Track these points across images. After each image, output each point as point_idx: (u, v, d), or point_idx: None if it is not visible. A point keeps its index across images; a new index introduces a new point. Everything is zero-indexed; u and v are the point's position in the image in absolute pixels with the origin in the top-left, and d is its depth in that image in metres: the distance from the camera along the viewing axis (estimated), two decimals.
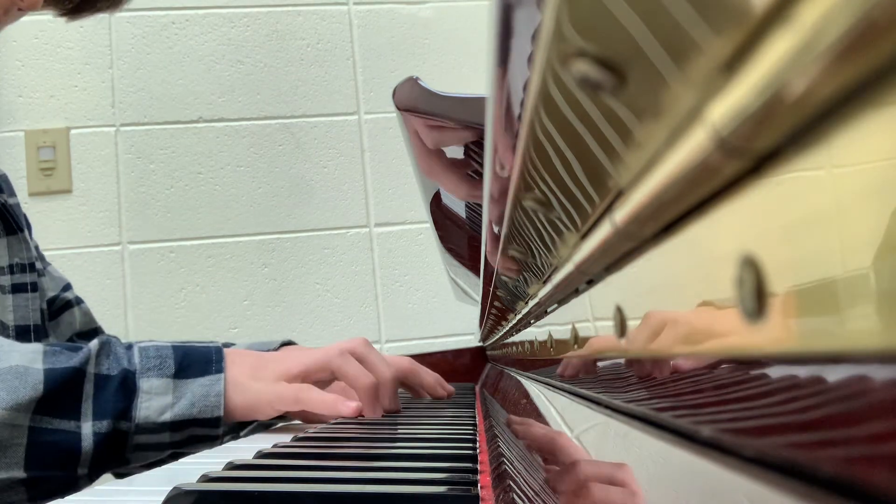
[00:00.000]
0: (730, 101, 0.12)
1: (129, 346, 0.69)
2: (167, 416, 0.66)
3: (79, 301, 0.95)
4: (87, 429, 0.63)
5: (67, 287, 0.95)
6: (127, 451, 0.66)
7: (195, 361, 0.69)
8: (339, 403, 0.69)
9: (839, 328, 0.10)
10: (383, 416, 0.73)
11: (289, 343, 0.88)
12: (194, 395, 0.67)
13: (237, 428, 0.84)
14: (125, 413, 0.65)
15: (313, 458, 0.49)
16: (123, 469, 0.70)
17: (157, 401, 0.66)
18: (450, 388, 0.89)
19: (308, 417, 0.79)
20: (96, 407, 0.64)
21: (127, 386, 0.66)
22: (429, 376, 0.85)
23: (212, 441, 0.70)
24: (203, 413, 0.67)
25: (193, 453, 0.76)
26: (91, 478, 0.66)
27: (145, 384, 0.67)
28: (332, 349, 0.73)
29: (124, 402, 0.65)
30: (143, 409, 0.66)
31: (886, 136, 0.09)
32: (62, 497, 0.55)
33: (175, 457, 0.72)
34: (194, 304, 1.63)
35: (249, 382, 0.70)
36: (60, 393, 0.63)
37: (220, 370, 0.69)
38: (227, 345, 0.90)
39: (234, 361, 0.71)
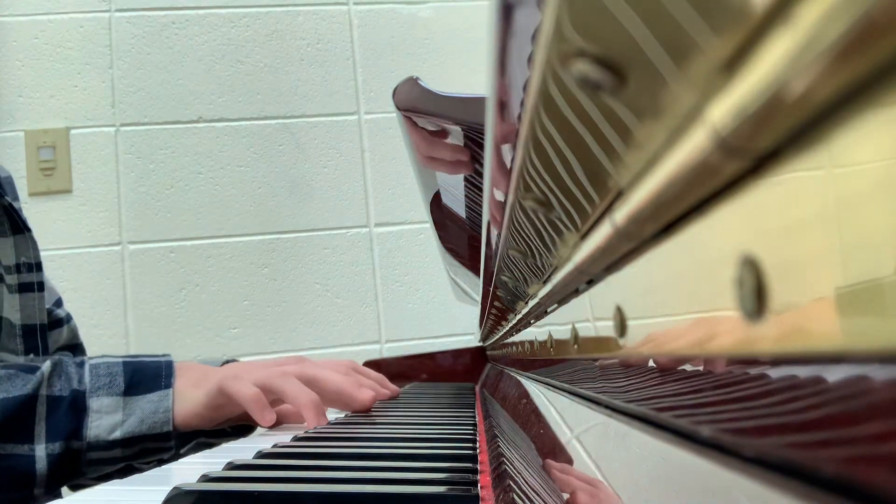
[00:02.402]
0: (730, 101, 0.12)
1: (81, 364, 0.71)
2: (117, 434, 0.68)
3: (69, 319, 0.96)
4: (41, 451, 0.65)
5: (59, 303, 0.95)
6: (81, 466, 0.68)
7: (145, 378, 0.71)
8: (246, 388, 0.69)
9: (839, 328, 0.10)
10: (393, 405, 0.73)
11: (232, 360, 0.89)
12: (143, 412, 0.69)
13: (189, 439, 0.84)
14: (76, 433, 0.67)
15: (313, 458, 0.49)
16: (81, 481, 0.72)
17: (106, 419, 0.68)
18: (393, 388, 0.87)
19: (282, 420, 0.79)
20: (49, 429, 0.66)
21: (77, 406, 0.68)
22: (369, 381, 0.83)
23: (165, 453, 0.71)
24: (153, 429, 0.69)
25: (152, 466, 0.77)
26: (49, 493, 0.67)
27: (95, 403, 0.68)
28: (273, 371, 0.73)
29: (74, 423, 0.67)
30: (93, 429, 0.68)
31: (886, 136, 0.09)
32: None
33: (129, 469, 0.73)
34: (194, 304, 1.63)
35: (191, 391, 0.72)
36: (14, 419, 0.65)
37: (168, 385, 0.71)
38: (229, 360, 0.90)
39: (182, 374, 0.72)
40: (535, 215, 0.29)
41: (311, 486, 0.37)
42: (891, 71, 0.09)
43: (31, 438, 0.65)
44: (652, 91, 0.15)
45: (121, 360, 0.72)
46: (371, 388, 0.76)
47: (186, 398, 0.71)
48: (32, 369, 0.67)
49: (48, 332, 0.90)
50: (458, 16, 1.77)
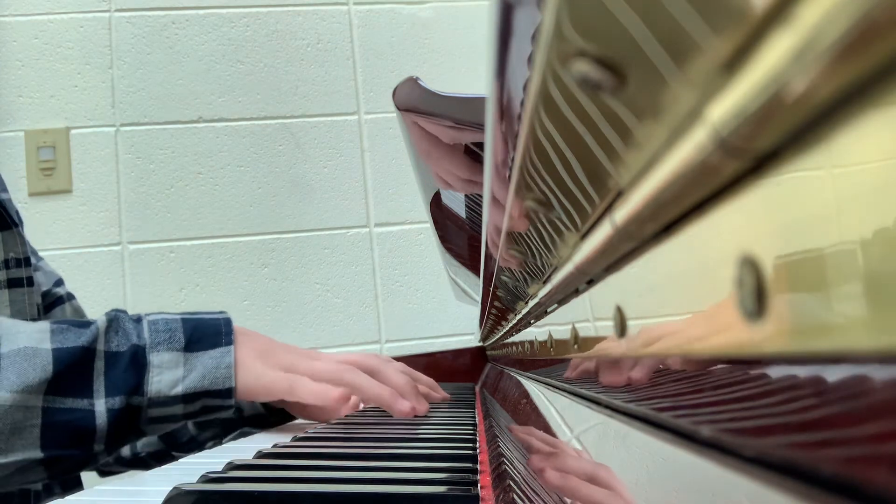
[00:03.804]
0: (730, 101, 0.12)
1: (139, 320, 0.69)
2: (179, 389, 0.67)
3: (70, 297, 0.95)
4: (101, 406, 0.64)
5: (59, 282, 0.94)
6: (141, 423, 0.67)
7: (205, 334, 0.70)
8: (329, 391, 0.70)
9: (839, 328, 0.10)
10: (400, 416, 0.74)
11: None
12: (205, 368, 0.68)
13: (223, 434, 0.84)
14: (137, 388, 0.66)
15: (313, 458, 0.49)
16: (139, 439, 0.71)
17: (168, 374, 0.67)
18: (443, 393, 0.89)
19: (310, 415, 0.79)
20: (108, 384, 0.65)
21: (137, 361, 0.67)
22: (422, 385, 0.84)
23: (225, 411, 0.70)
24: (214, 385, 0.68)
25: (209, 435, 0.77)
26: (109, 452, 0.66)
27: (156, 359, 0.67)
28: (342, 365, 0.73)
29: (136, 378, 0.66)
30: (154, 384, 0.67)
31: (886, 136, 0.09)
32: (80, 472, 0.55)
33: (196, 426, 0.71)
34: (194, 304, 1.63)
35: (254, 363, 0.70)
36: (71, 372, 0.64)
37: (229, 342, 0.70)
38: None
39: (242, 341, 0.71)
40: (535, 215, 0.29)
41: (311, 486, 0.37)
42: (891, 71, 0.09)
43: (90, 393, 0.64)
44: (652, 91, 0.15)
45: (179, 316, 0.71)
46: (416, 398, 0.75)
47: (248, 369, 0.70)
48: (85, 324, 0.67)
49: (48, 313, 0.89)
50: (458, 16, 1.77)
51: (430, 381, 0.88)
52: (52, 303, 0.91)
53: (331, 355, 0.77)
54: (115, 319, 0.68)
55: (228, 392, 0.69)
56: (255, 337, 0.74)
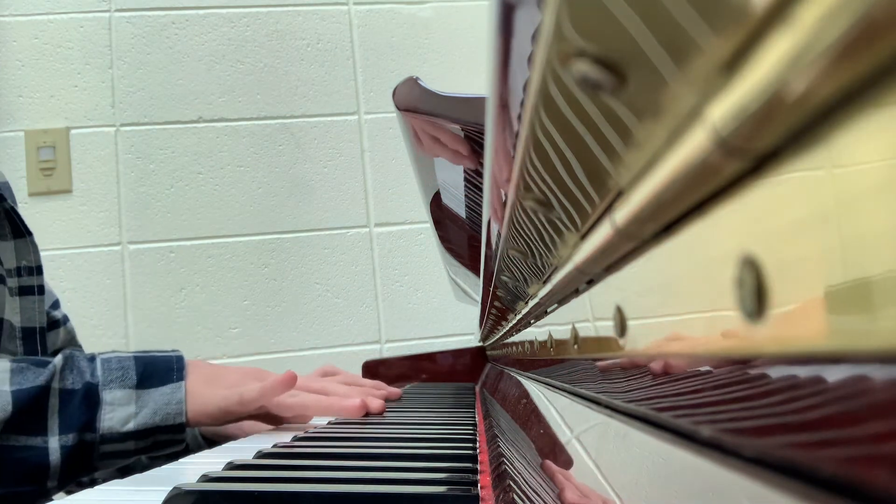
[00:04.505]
0: (730, 101, 0.12)
1: (92, 359, 0.71)
2: (131, 426, 0.69)
3: (66, 320, 0.96)
4: (55, 443, 0.66)
5: (56, 304, 0.96)
6: (94, 460, 0.68)
7: (157, 371, 0.71)
8: (273, 377, 0.72)
9: (839, 328, 0.10)
10: (384, 413, 0.74)
11: None
12: (156, 404, 0.70)
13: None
14: (89, 425, 0.67)
15: (313, 458, 0.49)
16: (92, 476, 0.72)
17: (120, 411, 0.69)
18: (390, 389, 0.89)
19: (279, 419, 0.79)
20: (62, 421, 0.66)
21: (90, 398, 0.68)
22: (366, 388, 0.85)
23: (177, 445, 0.72)
24: (166, 420, 0.70)
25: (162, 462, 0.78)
26: (61, 487, 0.68)
27: (108, 396, 0.69)
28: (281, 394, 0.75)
29: (88, 415, 0.67)
30: (106, 420, 0.68)
31: (886, 136, 0.09)
32: None
33: (149, 460, 0.74)
34: (194, 304, 1.63)
35: (203, 390, 0.72)
36: (28, 411, 0.65)
37: (181, 378, 0.72)
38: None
39: (191, 371, 0.73)
40: (535, 215, 0.29)
41: (311, 486, 0.37)
42: (891, 71, 0.09)
43: (44, 430, 0.66)
44: (652, 91, 0.15)
45: (131, 354, 0.72)
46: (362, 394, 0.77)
47: (198, 397, 0.72)
48: (43, 363, 0.68)
49: (46, 333, 0.90)
50: (458, 16, 1.77)
51: (377, 382, 0.90)
52: (49, 324, 0.92)
53: (275, 376, 0.79)
54: (70, 358, 0.70)
55: (180, 427, 0.70)
56: (204, 366, 0.76)
